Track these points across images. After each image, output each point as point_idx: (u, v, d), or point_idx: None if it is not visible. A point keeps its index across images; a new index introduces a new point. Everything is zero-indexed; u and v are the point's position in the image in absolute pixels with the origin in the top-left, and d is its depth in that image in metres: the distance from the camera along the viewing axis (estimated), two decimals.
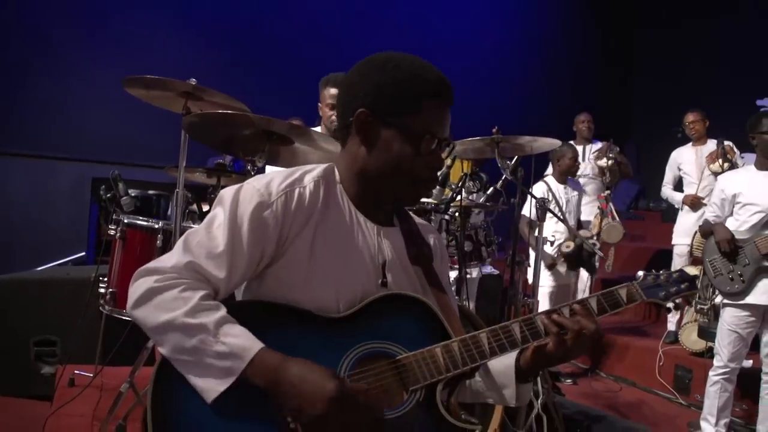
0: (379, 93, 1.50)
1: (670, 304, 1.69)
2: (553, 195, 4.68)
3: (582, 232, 5.34)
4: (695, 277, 1.71)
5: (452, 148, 1.67)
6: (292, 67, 8.07)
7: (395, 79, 1.50)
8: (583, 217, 5.84)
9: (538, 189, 4.98)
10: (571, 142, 6.20)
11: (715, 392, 3.97)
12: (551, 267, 5.01)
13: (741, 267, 3.81)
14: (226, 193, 1.48)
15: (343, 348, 1.46)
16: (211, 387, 1.33)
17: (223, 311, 1.38)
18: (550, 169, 5.72)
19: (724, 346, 3.94)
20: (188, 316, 1.34)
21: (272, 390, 1.34)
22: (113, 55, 7.30)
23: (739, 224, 3.91)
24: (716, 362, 4.00)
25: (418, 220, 1.74)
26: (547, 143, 3.56)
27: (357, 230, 1.55)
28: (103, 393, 3.63)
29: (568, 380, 5.37)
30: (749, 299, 3.80)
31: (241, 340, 1.34)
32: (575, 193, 5.32)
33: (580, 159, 6.06)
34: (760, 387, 3.94)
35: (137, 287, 1.39)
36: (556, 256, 5.03)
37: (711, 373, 4.02)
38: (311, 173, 1.54)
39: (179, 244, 1.45)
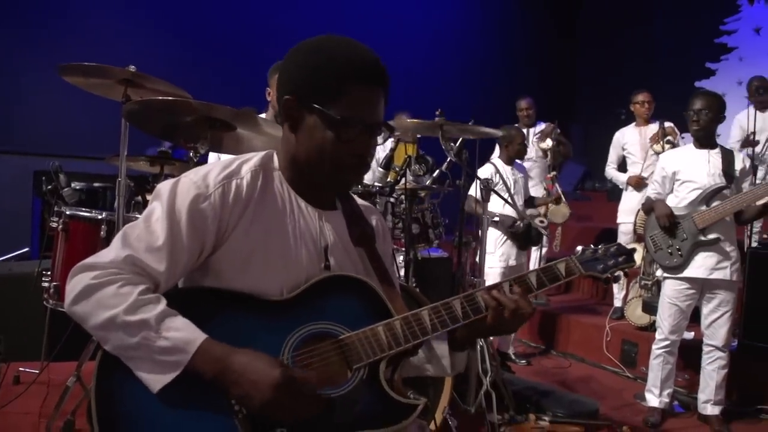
0: (303, 79, 1.50)
1: (608, 276, 1.73)
2: (501, 176, 4.74)
3: (530, 212, 5.44)
4: (632, 250, 1.76)
5: (389, 132, 1.65)
6: (236, 52, 7.97)
7: (317, 64, 1.49)
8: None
9: (486, 170, 5.05)
10: (517, 125, 6.28)
11: (658, 364, 4.09)
12: (513, 226, 5.06)
13: (679, 242, 3.93)
14: (163, 187, 1.47)
15: (287, 330, 1.47)
16: (157, 379, 1.34)
17: (163, 305, 1.37)
18: (497, 151, 5.80)
19: (664, 319, 4.06)
20: (128, 314, 1.33)
21: (218, 379, 1.35)
22: (49, 42, 7.10)
23: (678, 200, 4.02)
24: (658, 335, 4.12)
25: (360, 201, 1.76)
26: (487, 132, 3.59)
27: (298, 216, 1.56)
28: (49, 389, 3.58)
29: (522, 361, 5.46)
30: (687, 272, 3.92)
31: (183, 333, 1.35)
32: (521, 174, 5.40)
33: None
34: (701, 358, 4.07)
35: (75, 284, 1.37)
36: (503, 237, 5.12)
37: (654, 346, 4.13)
38: (249, 163, 1.55)
39: (117, 238, 1.44)
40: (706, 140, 4.01)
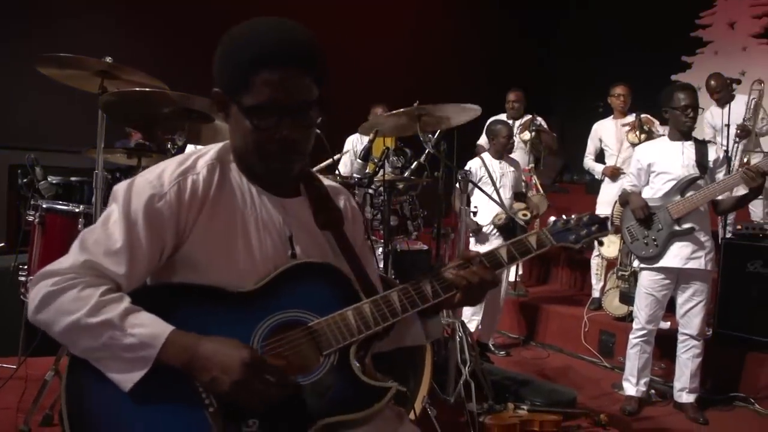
0: (218, 71, 1.49)
1: (581, 246, 1.73)
2: (487, 170, 4.77)
3: (516, 205, 5.48)
4: (606, 218, 1.76)
5: (323, 111, 1.53)
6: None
7: (225, 55, 1.47)
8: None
9: (473, 164, 5.10)
10: (503, 116, 6.31)
11: (635, 354, 4.14)
12: (476, 233, 5.11)
13: (655, 232, 3.97)
14: (119, 188, 1.46)
15: (255, 320, 1.47)
16: (127, 378, 1.33)
17: (126, 302, 1.36)
18: (482, 139, 5.83)
19: (641, 309, 4.11)
20: (91, 316, 1.32)
21: (188, 368, 1.34)
22: (24, 33, 6.99)
23: (653, 192, 4.07)
24: (635, 325, 4.17)
25: (327, 182, 1.73)
26: (467, 110, 3.58)
27: (259, 207, 1.55)
28: (27, 384, 3.54)
29: (502, 352, 5.50)
30: (663, 262, 3.97)
31: (149, 328, 1.34)
32: (512, 168, 5.43)
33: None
34: (676, 347, 4.13)
35: (36, 293, 1.36)
36: (489, 230, 5.16)
37: (630, 336, 4.18)
38: (205, 157, 1.53)
39: (75, 243, 1.43)
40: (690, 133, 4.06)
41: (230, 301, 1.46)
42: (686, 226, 3.90)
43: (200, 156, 1.54)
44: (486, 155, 5.30)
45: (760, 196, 5.81)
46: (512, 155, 5.81)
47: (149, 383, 1.33)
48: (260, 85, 1.42)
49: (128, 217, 1.41)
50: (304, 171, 1.66)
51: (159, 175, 1.46)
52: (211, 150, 1.56)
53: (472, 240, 5.18)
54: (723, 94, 6.10)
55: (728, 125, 5.85)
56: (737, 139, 5.83)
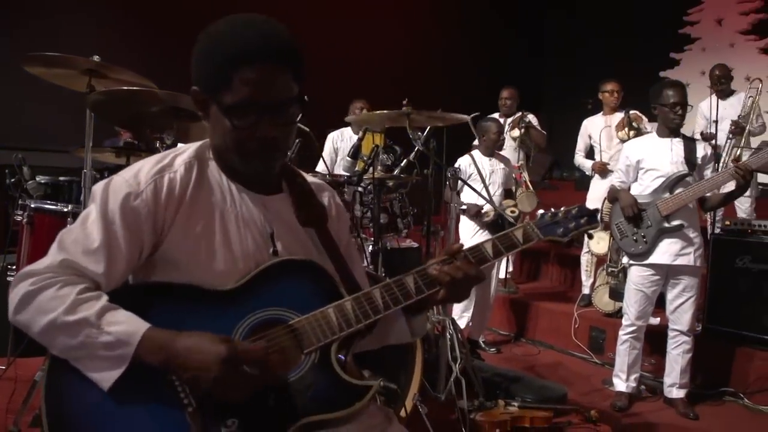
0: (196, 70, 1.47)
1: (569, 239, 1.68)
2: (477, 167, 4.77)
3: (505, 202, 5.49)
4: (595, 210, 1.71)
5: (298, 110, 1.51)
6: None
7: (203, 54, 1.46)
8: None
9: (464, 161, 5.10)
10: (496, 115, 6.32)
11: (624, 350, 4.16)
12: (477, 216, 5.10)
13: (644, 229, 3.99)
14: (97, 188, 1.46)
15: (235, 319, 1.46)
16: (106, 377, 1.32)
17: (103, 300, 1.36)
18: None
19: (631, 305, 4.13)
20: (68, 314, 1.31)
21: (166, 366, 1.34)
22: (11, 32, 6.95)
23: (642, 189, 4.09)
24: (624, 321, 4.19)
25: (311, 179, 1.71)
26: (455, 118, 3.61)
27: (239, 204, 1.54)
28: (17, 385, 3.52)
29: (492, 349, 5.51)
30: (652, 259, 3.99)
31: (124, 326, 1.33)
32: (501, 165, 5.44)
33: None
34: (666, 343, 4.15)
35: (15, 294, 1.36)
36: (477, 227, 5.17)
37: (620, 332, 4.20)
38: (183, 155, 1.53)
39: (54, 244, 1.42)
40: (679, 130, 4.08)
41: (210, 300, 1.45)
42: (675, 222, 3.92)
43: (178, 154, 1.53)
44: (476, 152, 5.31)
45: (746, 193, 5.88)
46: (502, 152, 5.82)
47: (128, 383, 1.33)
48: (239, 83, 1.40)
49: (105, 216, 1.41)
50: (286, 167, 1.65)
51: (136, 173, 1.46)
52: (190, 148, 1.55)
53: (462, 239, 5.18)
54: (725, 86, 6.10)
55: (716, 120, 5.86)
56: (731, 135, 5.84)
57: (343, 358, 1.52)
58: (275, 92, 1.44)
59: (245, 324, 1.46)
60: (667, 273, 4.04)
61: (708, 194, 3.94)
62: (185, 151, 1.54)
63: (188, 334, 1.35)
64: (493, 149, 5.38)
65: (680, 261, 3.95)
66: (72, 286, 1.35)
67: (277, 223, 1.58)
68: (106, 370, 1.32)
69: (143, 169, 1.47)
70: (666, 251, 3.96)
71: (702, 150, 4.04)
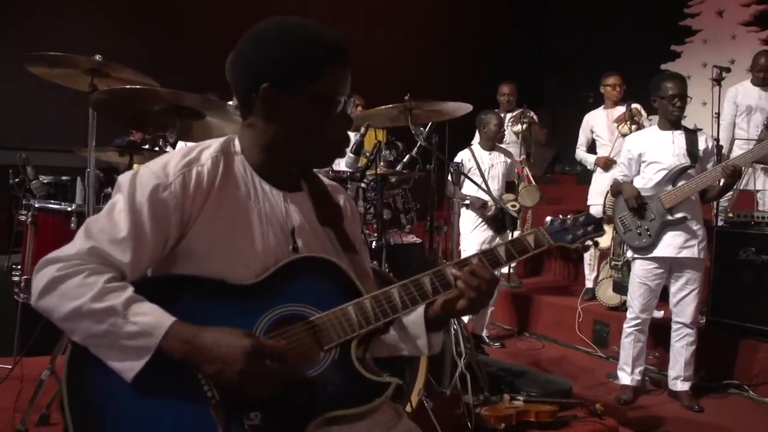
0: (281, 66, 1.49)
1: (577, 246, 1.73)
2: (476, 161, 4.77)
3: (505, 196, 5.49)
4: (601, 219, 1.76)
5: (367, 125, 1.72)
6: (204, 38, 7.85)
7: (294, 49, 1.49)
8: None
9: (463, 156, 5.10)
10: (496, 110, 6.32)
11: (629, 343, 4.17)
12: (483, 208, 5.10)
13: (648, 222, 3.99)
14: (124, 179, 1.47)
15: (257, 314, 1.47)
16: (129, 367, 1.33)
17: (130, 291, 1.37)
18: (477, 137, 5.86)
19: (635, 298, 4.13)
20: (95, 301, 1.32)
21: (190, 360, 1.35)
22: (12, 32, 6.96)
23: (645, 182, 4.09)
24: (629, 314, 4.20)
25: (327, 181, 1.75)
26: (458, 107, 3.60)
27: (262, 199, 1.56)
28: (23, 384, 3.54)
29: (496, 344, 5.52)
30: (656, 252, 4.00)
31: (150, 317, 1.34)
32: (502, 159, 5.44)
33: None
34: (670, 336, 4.15)
35: (40, 278, 1.37)
36: (478, 221, 5.17)
37: (625, 325, 4.21)
38: (208, 150, 1.54)
39: (80, 231, 1.43)
40: (679, 123, 4.07)
41: (232, 294, 1.47)
42: (678, 215, 3.93)
43: (204, 148, 1.55)
44: (476, 146, 5.31)
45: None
46: (507, 148, 5.83)
47: (151, 376, 1.34)
48: (331, 78, 1.52)
49: (133, 206, 1.42)
50: (306, 167, 1.68)
51: (163, 165, 1.47)
52: (215, 143, 1.57)
53: (462, 233, 5.18)
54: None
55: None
56: (764, 129, 5.58)
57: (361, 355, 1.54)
58: (349, 85, 1.57)
59: (266, 319, 1.47)
60: (671, 266, 4.04)
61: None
62: (210, 145, 1.56)
63: (212, 328, 1.37)
64: (493, 142, 5.38)
65: (684, 254, 3.96)
66: (99, 275, 1.36)
67: (297, 220, 1.60)
68: (128, 360, 1.33)
69: (171, 161, 1.48)
70: (670, 244, 3.96)
71: (704, 142, 4.05)
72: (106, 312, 1.33)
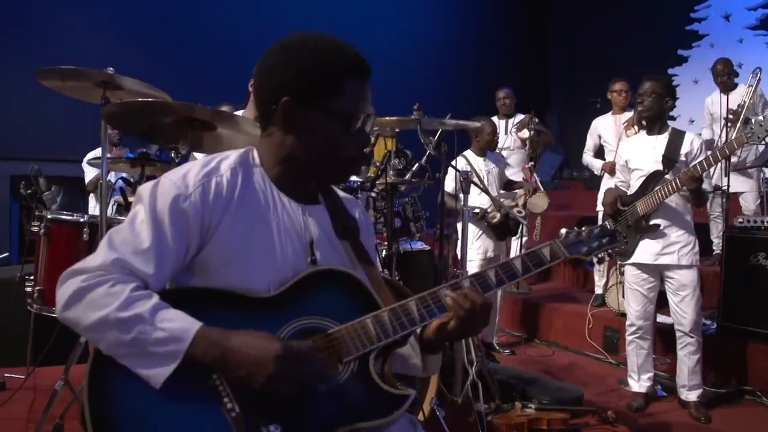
0: (302, 80, 1.51)
1: (594, 259, 1.76)
2: (473, 168, 4.77)
3: (506, 203, 5.48)
4: (615, 231, 1.77)
5: (377, 135, 1.73)
6: (214, 51, 7.92)
7: (315, 64, 1.50)
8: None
9: (459, 163, 5.08)
10: (494, 117, 6.32)
11: (632, 350, 4.15)
12: (483, 218, 5.09)
13: (625, 228, 3.99)
14: (144, 189, 1.48)
15: (276, 326, 1.48)
16: (157, 373, 1.35)
17: (156, 298, 1.39)
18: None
19: (629, 304, 4.14)
20: (122, 310, 1.34)
21: (219, 364, 1.37)
22: (25, 45, 7.02)
23: (631, 188, 4.09)
24: (627, 322, 4.19)
25: (342, 194, 1.77)
26: (465, 125, 3.62)
27: (281, 211, 1.57)
28: (37, 394, 3.56)
29: (506, 351, 5.51)
30: (634, 258, 4.00)
31: (178, 323, 1.36)
32: (494, 165, 5.43)
33: (501, 132, 6.25)
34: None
35: (65, 289, 1.38)
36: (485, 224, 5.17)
37: (626, 333, 4.20)
38: (227, 160, 1.56)
39: (103, 243, 1.44)
40: (652, 123, 4.02)
41: (251, 307, 1.48)
42: (652, 222, 3.91)
43: (223, 159, 1.56)
44: (469, 153, 5.28)
45: (752, 190, 5.94)
46: (511, 153, 5.84)
47: (172, 386, 1.35)
48: (352, 93, 1.53)
49: (155, 217, 1.44)
50: (322, 182, 1.70)
51: (183, 176, 1.49)
52: (234, 154, 1.59)
53: (470, 240, 5.17)
54: (727, 80, 6.05)
55: (727, 116, 5.80)
56: (728, 124, 5.74)
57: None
58: (370, 104, 1.59)
59: (285, 331, 1.49)
60: (661, 273, 4.03)
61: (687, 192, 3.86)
62: (229, 156, 1.57)
63: (241, 331, 1.39)
64: (486, 149, 5.36)
65: (662, 261, 3.94)
66: (124, 284, 1.38)
67: (315, 232, 1.61)
68: (157, 366, 1.35)
69: (191, 172, 1.49)
70: (646, 250, 3.96)
71: (688, 144, 3.94)
72: (133, 320, 1.34)
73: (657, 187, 3.87)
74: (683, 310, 3.97)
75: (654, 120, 4.01)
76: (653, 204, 3.87)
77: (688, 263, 3.95)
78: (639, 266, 4.04)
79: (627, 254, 4.02)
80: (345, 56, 1.54)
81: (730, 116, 5.70)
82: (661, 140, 3.99)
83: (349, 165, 1.61)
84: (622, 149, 4.24)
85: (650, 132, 4.06)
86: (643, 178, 3.98)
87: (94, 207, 5.26)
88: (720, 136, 5.85)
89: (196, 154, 3.44)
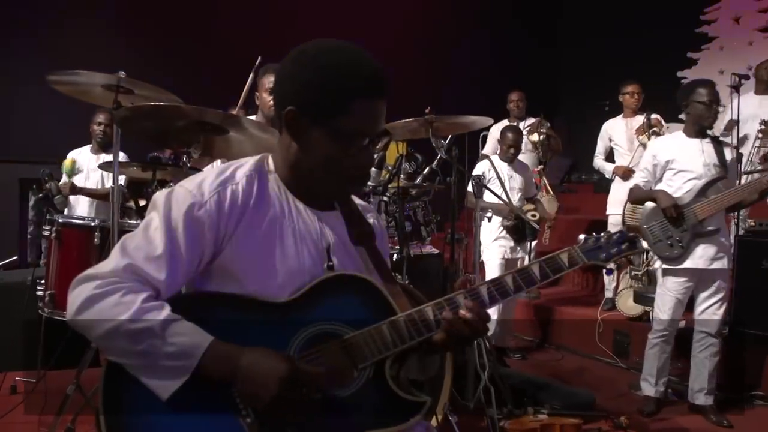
0: (307, 93, 1.48)
1: (611, 265, 1.73)
2: (496, 172, 4.76)
3: (525, 207, 5.47)
4: (635, 236, 1.74)
5: (389, 139, 1.66)
6: (226, 54, 7.92)
7: (323, 79, 1.47)
8: None
9: (483, 166, 5.09)
10: (505, 120, 6.31)
11: (654, 354, 4.10)
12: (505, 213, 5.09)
13: (680, 233, 3.90)
14: (159, 197, 1.49)
15: (291, 331, 1.48)
16: (165, 386, 1.34)
17: (167, 310, 1.38)
18: (488, 147, 5.86)
19: (664, 311, 4.04)
20: (133, 322, 1.34)
21: (227, 380, 1.37)
22: (36, 49, 7.05)
23: (672, 191, 3.98)
24: (656, 326, 4.12)
25: (357, 201, 1.76)
26: (480, 122, 3.62)
27: (297, 218, 1.56)
28: (48, 398, 3.56)
29: (517, 355, 5.50)
30: (687, 263, 3.91)
31: (189, 337, 1.36)
32: (520, 172, 5.43)
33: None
34: (692, 346, 4.09)
35: (77, 295, 1.37)
36: (499, 231, 5.16)
37: (650, 336, 4.14)
38: (243, 168, 1.55)
39: (116, 249, 1.44)
40: (706, 131, 4.02)
41: (266, 312, 1.48)
42: (711, 227, 3.87)
43: (239, 167, 1.55)
44: (495, 157, 5.31)
45: None
46: (520, 157, 5.80)
47: (187, 394, 1.35)
48: (359, 113, 1.48)
49: (169, 224, 1.43)
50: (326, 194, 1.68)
51: (199, 184, 1.48)
52: (249, 161, 1.58)
53: (483, 244, 5.17)
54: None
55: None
56: (760, 135, 5.62)
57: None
58: (381, 125, 1.55)
59: (301, 337, 1.48)
60: (699, 277, 3.98)
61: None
62: (244, 164, 1.57)
63: (252, 350, 1.38)
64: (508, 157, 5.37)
65: (716, 265, 3.91)
66: (136, 293, 1.37)
67: (332, 238, 1.61)
68: (165, 379, 1.34)
69: (206, 180, 1.49)
70: (702, 255, 3.90)
71: (729, 153, 3.99)
72: (143, 332, 1.34)
73: (719, 194, 3.84)
74: (716, 312, 3.96)
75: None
76: (714, 209, 3.84)
77: (730, 267, 3.97)
78: (685, 272, 3.96)
79: (680, 259, 3.93)
80: (357, 75, 1.48)
81: (764, 127, 5.62)
82: (707, 144, 3.97)
83: (348, 184, 1.58)
84: (658, 148, 4.12)
85: (691, 135, 4.02)
86: (695, 180, 3.92)
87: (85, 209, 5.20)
88: (754, 145, 5.75)
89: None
